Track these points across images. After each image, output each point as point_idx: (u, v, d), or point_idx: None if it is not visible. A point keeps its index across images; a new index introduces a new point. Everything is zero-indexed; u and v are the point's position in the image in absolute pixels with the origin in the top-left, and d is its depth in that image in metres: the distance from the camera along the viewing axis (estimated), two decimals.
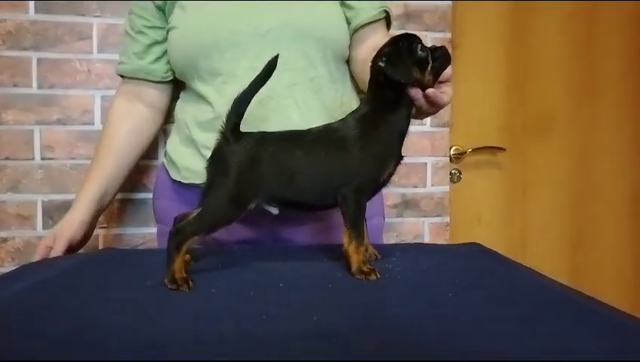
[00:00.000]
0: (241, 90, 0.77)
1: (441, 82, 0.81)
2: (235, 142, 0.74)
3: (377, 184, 0.76)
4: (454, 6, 1.55)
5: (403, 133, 0.78)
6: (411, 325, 0.52)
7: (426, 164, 1.51)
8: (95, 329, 0.51)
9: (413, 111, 0.80)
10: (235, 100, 0.76)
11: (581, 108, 1.76)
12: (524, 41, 1.70)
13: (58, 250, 0.98)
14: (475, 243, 0.95)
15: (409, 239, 1.50)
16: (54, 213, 1.30)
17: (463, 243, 0.96)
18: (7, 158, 1.27)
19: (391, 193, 1.49)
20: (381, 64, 0.74)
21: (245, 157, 0.73)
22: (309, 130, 0.79)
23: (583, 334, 0.49)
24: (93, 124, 1.31)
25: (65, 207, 1.28)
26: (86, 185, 1.07)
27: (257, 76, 0.76)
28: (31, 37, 1.27)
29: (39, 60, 1.28)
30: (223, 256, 0.87)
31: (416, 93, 0.78)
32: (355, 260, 0.72)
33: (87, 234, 1.07)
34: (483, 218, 1.73)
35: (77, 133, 1.31)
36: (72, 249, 1.02)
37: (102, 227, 1.33)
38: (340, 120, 0.79)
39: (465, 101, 1.66)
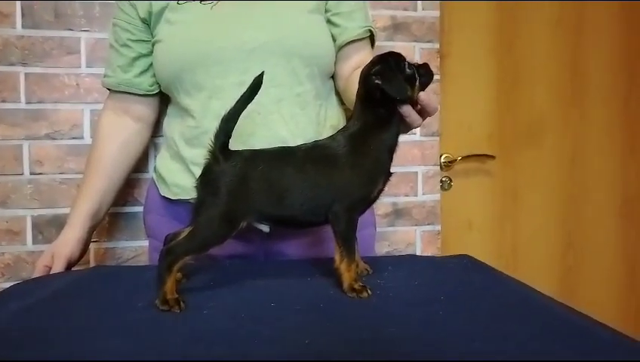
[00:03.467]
0: (227, 107, 0.77)
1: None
2: (224, 161, 0.74)
3: (368, 201, 0.77)
4: (442, 16, 1.56)
5: (392, 150, 0.79)
6: (405, 347, 0.52)
7: (416, 173, 1.52)
8: (85, 356, 0.50)
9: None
10: (222, 119, 0.76)
11: (570, 113, 1.78)
12: (511, 49, 1.72)
13: (57, 269, 0.98)
14: (465, 255, 0.96)
15: (401, 248, 1.51)
16: (44, 227, 1.29)
17: (452, 256, 0.97)
18: None
19: (382, 203, 1.49)
20: (378, 82, 0.75)
21: (235, 177, 0.73)
22: (298, 147, 0.79)
23: (571, 353, 0.49)
24: (82, 138, 1.30)
25: (55, 221, 1.28)
26: (79, 202, 1.07)
27: (243, 94, 0.76)
28: (18, 52, 1.26)
29: (27, 75, 1.27)
30: (215, 272, 0.87)
31: (407, 109, 0.78)
32: (346, 278, 0.72)
33: (84, 250, 1.07)
34: (474, 224, 1.74)
35: (66, 148, 1.30)
36: (70, 266, 1.02)
37: (93, 241, 1.32)
38: (330, 137, 0.80)
39: (454, 109, 1.67)
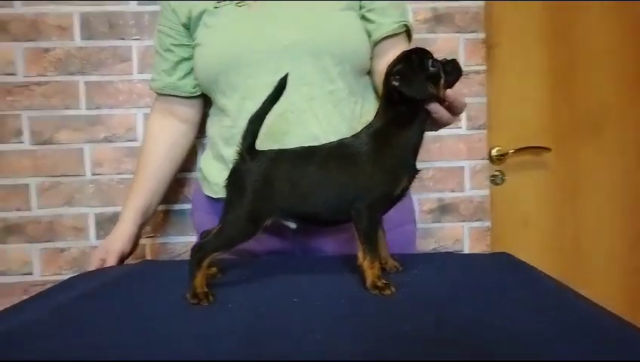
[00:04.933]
0: (256, 107, 0.79)
1: None
2: (250, 161, 0.77)
3: (391, 198, 0.76)
4: (490, 5, 1.50)
5: (417, 148, 0.78)
6: (412, 346, 0.52)
7: (463, 167, 1.47)
8: (102, 345, 0.55)
9: (427, 123, 0.79)
10: (249, 120, 0.78)
11: (635, 100, 1.65)
12: (568, 36, 1.62)
13: (110, 263, 1.06)
14: (504, 253, 0.93)
15: (448, 244, 1.47)
16: (105, 224, 1.39)
17: (491, 253, 0.94)
18: (62, 175, 1.38)
19: (427, 198, 1.47)
20: (395, 83, 0.74)
21: (260, 176, 0.76)
22: (323, 146, 0.80)
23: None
24: (136, 140, 1.39)
25: (114, 218, 1.37)
26: (130, 200, 1.14)
27: (269, 95, 0.78)
28: (78, 62, 1.37)
29: (86, 83, 1.37)
30: (250, 268, 0.90)
31: (434, 106, 0.77)
32: (369, 275, 0.73)
33: (135, 244, 1.14)
34: (530, 221, 1.66)
35: (122, 150, 1.39)
36: (122, 259, 1.10)
37: (148, 236, 1.41)
38: (354, 135, 0.80)
39: (505, 101, 1.61)
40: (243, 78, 1.01)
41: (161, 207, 1.34)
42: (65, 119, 1.37)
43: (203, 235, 0.83)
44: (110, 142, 1.39)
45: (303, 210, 0.76)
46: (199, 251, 0.73)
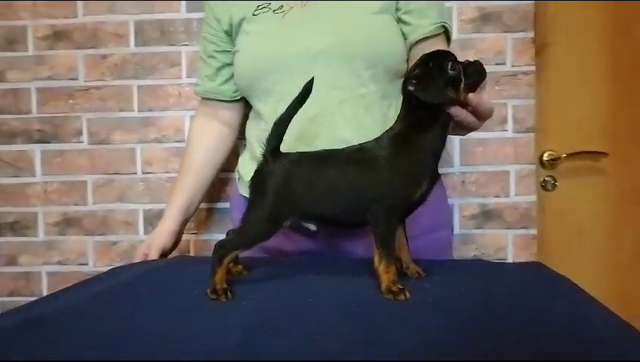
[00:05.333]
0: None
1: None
2: (273, 163, 0.79)
3: (409, 203, 0.75)
4: (543, 4, 1.44)
5: (437, 152, 0.76)
6: (411, 351, 0.51)
7: (508, 172, 1.42)
8: (117, 332, 0.59)
9: (451, 127, 0.78)
10: (274, 123, 0.80)
11: None
12: (629, 34, 1.52)
13: (152, 257, 1.13)
14: (537, 262, 0.89)
15: (490, 252, 1.42)
16: (153, 219, 1.47)
17: (524, 263, 0.90)
18: (115, 173, 1.48)
19: (469, 203, 1.43)
20: (410, 88, 0.74)
21: (281, 177, 0.77)
22: (344, 149, 0.81)
23: None
24: (184, 141, 1.45)
25: (161, 214, 1.44)
26: (173, 198, 1.20)
27: (295, 99, 0.80)
28: (132, 67, 1.46)
29: (139, 87, 1.46)
30: (276, 266, 0.92)
31: (455, 110, 0.76)
32: (384, 279, 0.72)
33: (177, 240, 1.20)
34: (584, 230, 1.57)
35: (171, 150, 1.46)
36: (164, 254, 1.16)
37: (192, 233, 1.48)
38: (376, 138, 0.80)
39: (559, 103, 1.53)
40: (276, 82, 1.03)
41: (204, 205, 1.40)
42: (119, 121, 1.46)
43: (228, 234, 0.87)
44: (160, 142, 1.47)
45: (321, 212, 0.77)
46: (220, 249, 0.76)
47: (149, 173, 1.47)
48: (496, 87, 1.40)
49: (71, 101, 1.47)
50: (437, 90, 0.72)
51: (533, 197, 1.42)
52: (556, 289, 0.75)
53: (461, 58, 0.73)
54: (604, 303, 0.67)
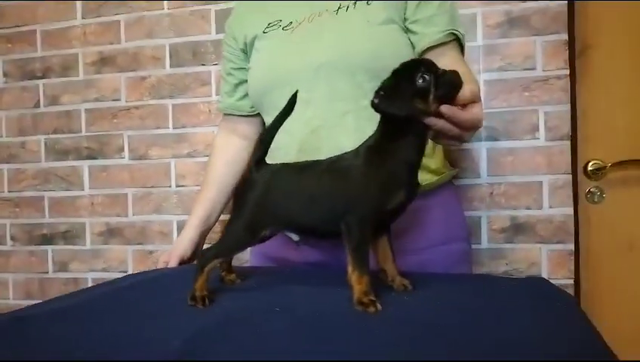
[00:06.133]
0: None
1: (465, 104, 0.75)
2: (256, 173, 0.81)
3: (383, 213, 0.74)
4: (582, 4, 1.35)
5: (413, 162, 0.74)
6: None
7: (541, 182, 1.33)
8: (97, 335, 0.63)
9: (431, 136, 0.75)
10: (259, 136, 0.83)
11: None
12: None
13: (172, 265, 1.19)
14: (541, 278, 0.83)
15: (522, 268, 1.34)
16: None
17: (526, 278, 0.84)
18: (152, 186, 1.57)
19: (498, 216, 1.36)
20: (375, 100, 0.73)
21: (261, 187, 0.79)
22: (324, 160, 0.81)
23: None
24: None
25: None
26: (195, 209, 1.26)
27: (280, 112, 0.81)
28: (167, 87, 1.56)
29: (174, 106, 1.55)
30: (270, 276, 0.94)
31: (431, 120, 0.73)
32: (356, 290, 0.71)
33: (197, 250, 1.25)
34: (636, 244, 1.43)
35: (201, 164, 1.54)
36: (183, 262, 1.21)
37: None
38: (355, 149, 0.79)
39: (603, 109, 1.42)
40: (281, 97, 1.05)
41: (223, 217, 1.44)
42: (156, 137, 1.57)
43: None
44: (192, 157, 1.55)
45: (299, 222, 0.78)
46: (202, 257, 0.79)
47: (182, 185, 1.55)
48: (526, 94, 1.33)
49: (114, 120, 1.59)
50: (402, 103, 0.70)
51: (569, 210, 1.32)
52: (546, 307, 0.69)
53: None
54: None
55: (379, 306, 0.69)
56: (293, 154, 1.03)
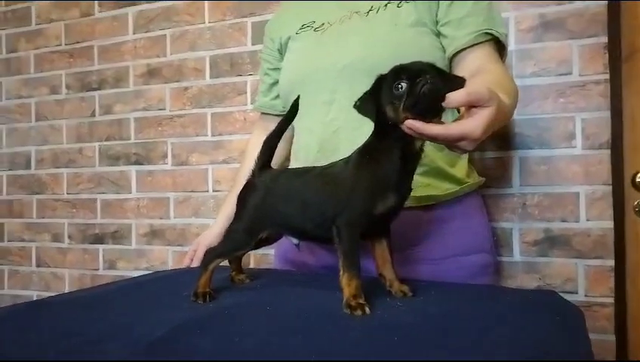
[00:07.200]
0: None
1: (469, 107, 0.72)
2: (257, 177, 0.84)
3: (372, 217, 0.73)
4: (630, 5, 1.27)
5: (403, 166, 0.73)
6: None
7: (577, 193, 1.26)
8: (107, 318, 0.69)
9: (420, 144, 0.74)
10: (264, 141, 0.86)
11: None
12: None
13: (199, 254, 1.24)
14: (552, 292, 0.78)
15: (557, 283, 1.27)
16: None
17: (536, 290, 0.81)
18: (192, 191, 1.66)
19: (531, 228, 1.30)
20: (356, 102, 0.74)
21: (261, 191, 0.82)
22: (321, 166, 0.82)
23: None
24: None
25: None
26: (224, 206, 1.31)
27: (283, 117, 0.84)
28: (207, 97, 1.64)
29: (212, 114, 1.63)
30: (277, 278, 0.96)
31: (405, 128, 0.71)
32: (345, 293, 0.71)
33: None
34: None
35: (236, 170, 1.59)
36: None
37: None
38: (351, 154, 0.80)
39: None
40: (304, 97, 1.08)
41: None
42: (195, 144, 1.65)
43: None
44: (227, 163, 1.61)
45: (294, 225, 0.80)
46: (206, 256, 0.83)
47: (218, 190, 1.62)
48: (561, 100, 1.27)
49: (159, 128, 1.70)
50: (373, 108, 0.71)
51: (609, 223, 1.23)
52: (539, 319, 0.66)
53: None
54: None
55: (367, 310, 0.69)
56: (313, 154, 1.05)
